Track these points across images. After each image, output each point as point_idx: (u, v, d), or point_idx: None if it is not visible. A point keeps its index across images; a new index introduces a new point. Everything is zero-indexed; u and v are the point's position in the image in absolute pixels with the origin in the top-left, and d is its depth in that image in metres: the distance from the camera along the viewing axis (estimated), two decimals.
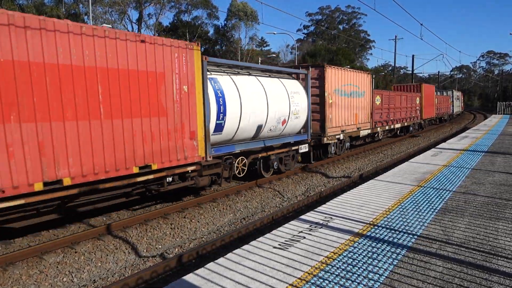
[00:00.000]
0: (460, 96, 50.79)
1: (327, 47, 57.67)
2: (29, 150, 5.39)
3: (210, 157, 8.39)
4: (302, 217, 5.10)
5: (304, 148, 12.57)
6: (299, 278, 3.35)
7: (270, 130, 10.67)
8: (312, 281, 3.30)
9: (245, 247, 4.08)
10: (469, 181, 7.15)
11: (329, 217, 5.04)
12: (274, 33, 42.89)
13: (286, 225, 4.78)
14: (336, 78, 13.93)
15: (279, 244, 4.13)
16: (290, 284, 3.24)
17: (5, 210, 5.59)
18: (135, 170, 6.82)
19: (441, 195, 6.10)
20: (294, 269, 3.52)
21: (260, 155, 10.77)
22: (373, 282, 3.27)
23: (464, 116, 52.60)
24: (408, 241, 4.18)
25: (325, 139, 13.41)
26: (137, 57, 6.70)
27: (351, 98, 15.15)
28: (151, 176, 7.25)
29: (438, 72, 67.96)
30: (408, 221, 4.86)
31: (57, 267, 5.78)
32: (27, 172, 5.38)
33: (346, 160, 15.47)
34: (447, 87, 67.09)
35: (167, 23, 51.74)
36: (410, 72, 45.70)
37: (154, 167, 7.14)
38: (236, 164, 9.80)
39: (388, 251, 3.93)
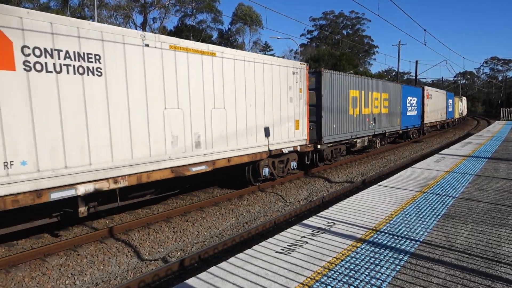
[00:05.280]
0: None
1: (330, 52, 57.79)
2: None
3: None
4: (305, 222, 5.10)
5: None
6: (302, 283, 3.35)
7: None
8: (315, 286, 3.30)
9: (248, 251, 4.09)
10: (472, 187, 7.12)
11: (331, 222, 5.04)
12: (278, 38, 43.15)
13: (289, 229, 4.79)
14: None
15: (281, 249, 4.13)
16: None
17: None
18: None
19: (444, 201, 6.09)
20: (296, 274, 3.52)
21: None
22: None
23: (467, 122, 52.41)
24: (411, 247, 4.17)
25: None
26: None
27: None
28: None
29: (442, 78, 67.73)
30: (411, 227, 4.86)
31: (60, 269, 5.80)
32: None
33: (349, 165, 15.46)
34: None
35: (171, 27, 52.10)
36: (414, 77, 45.67)
37: None
38: None
39: (390, 257, 3.92)
